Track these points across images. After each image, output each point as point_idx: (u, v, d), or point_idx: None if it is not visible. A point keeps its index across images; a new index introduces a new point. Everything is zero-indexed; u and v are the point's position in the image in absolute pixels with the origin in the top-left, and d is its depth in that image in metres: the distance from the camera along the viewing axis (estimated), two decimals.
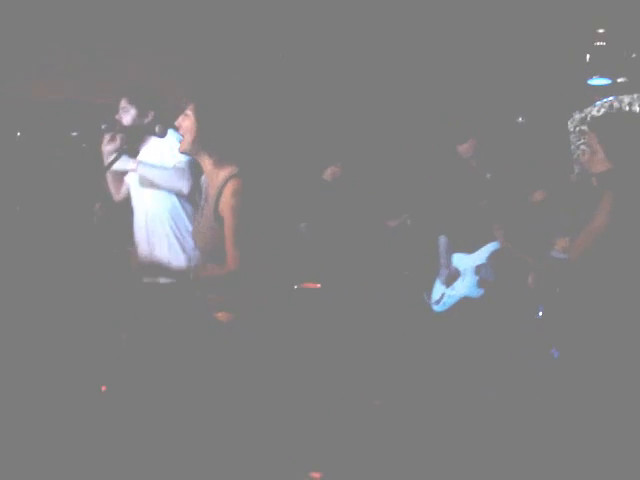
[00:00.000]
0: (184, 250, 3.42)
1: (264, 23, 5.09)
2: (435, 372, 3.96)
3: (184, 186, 3.33)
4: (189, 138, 2.69)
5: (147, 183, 3.44)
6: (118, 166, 3.37)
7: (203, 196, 2.81)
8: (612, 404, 2.67)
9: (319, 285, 4.40)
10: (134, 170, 3.43)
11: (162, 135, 3.40)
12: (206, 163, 2.72)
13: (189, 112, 2.69)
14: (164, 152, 3.43)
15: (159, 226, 3.46)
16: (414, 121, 5.41)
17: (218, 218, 2.61)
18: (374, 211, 4.48)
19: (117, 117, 3.50)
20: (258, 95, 5.08)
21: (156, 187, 3.42)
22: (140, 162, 3.43)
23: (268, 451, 2.70)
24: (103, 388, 3.93)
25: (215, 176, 2.69)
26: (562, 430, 2.92)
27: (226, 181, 2.61)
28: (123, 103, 3.50)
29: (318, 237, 4.31)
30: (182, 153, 2.82)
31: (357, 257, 4.28)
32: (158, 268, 3.41)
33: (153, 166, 3.41)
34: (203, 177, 2.86)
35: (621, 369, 2.67)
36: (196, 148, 2.70)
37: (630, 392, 2.64)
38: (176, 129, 2.79)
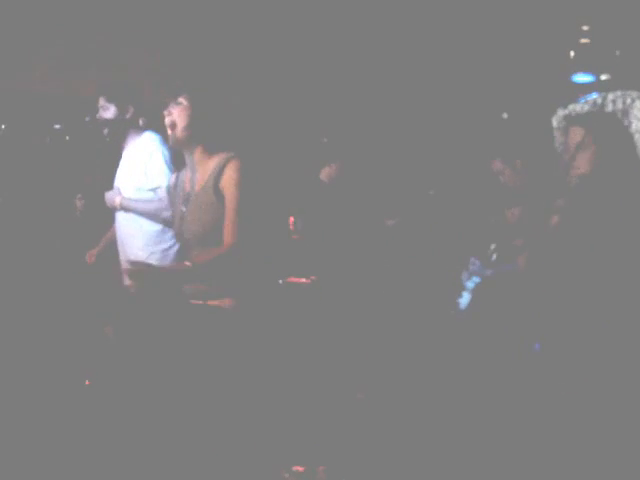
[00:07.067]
0: (158, 252, 3.42)
1: (258, 15, 5.08)
2: (420, 368, 3.98)
3: (167, 214, 3.30)
4: (182, 125, 2.69)
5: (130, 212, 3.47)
6: (107, 203, 3.50)
7: (185, 186, 2.81)
8: (598, 397, 2.68)
9: (304, 280, 4.40)
10: (118, 206, 3.44)
11: (146, 129, 3.44)
12: (196, 151, 2.72)
13: (182, 100, 2.69)
14: (140, 171, 3.43)
15: (131, 229, 3.46)
16: (411, 120, 5.43)
17: (219, 195, 2.63)
18: (371, 210, 4.49)
19: (97, 116, 3.50)
20: (255, 89, 5.10)
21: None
22: (124, 198, 3.44)
23: (252, 445, 2.71)
24: (87, 383, 3.92)
25: (205, 163, 2.72)
26: (546, 425, 2.93)
27: (227, 160, 2.64)
28: (102, 101, 3.51)
29: (312, 235, 4.31)
30: (173, 145, 2.82)
31: (352, 255, 4.29)
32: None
33: (136, 200, 3.43)
34: (182, 172, 2.87)
35: (605, 362, 2.68)
36: (188, 136, 2.70)
37: (615, 386, 2.66)
38: (159, 122, 2.79)
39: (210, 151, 2.72)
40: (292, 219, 4.32)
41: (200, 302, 2.67)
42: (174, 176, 2.98)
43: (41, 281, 4.39)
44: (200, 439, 2.63)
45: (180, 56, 5.00)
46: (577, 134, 2.79)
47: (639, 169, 2.73)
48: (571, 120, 2.99)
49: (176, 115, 2.70)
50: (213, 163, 2.69)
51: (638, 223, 2.64)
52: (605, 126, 2.80)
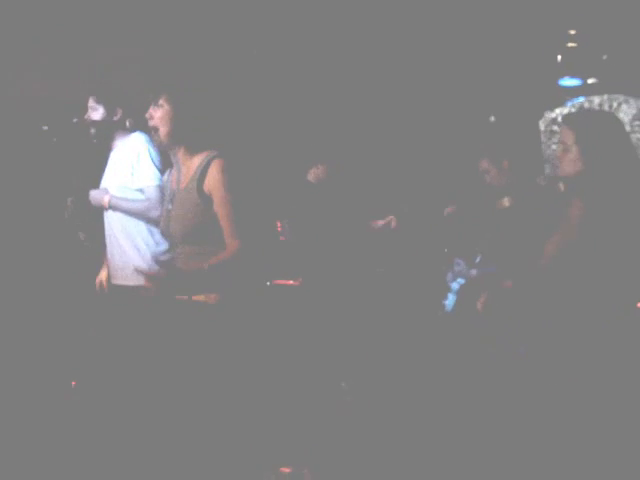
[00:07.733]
0: (148, 251, 3.42)
1: (245, 16, 5.07)
2: (406, 370, 3.99)
3: (155, 214, 3.31)
4: (164, 128, 2.71)
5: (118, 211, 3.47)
6: (93, 202, 3.48)
7: (172, 185, 2.83)
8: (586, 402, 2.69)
9: (291, 282, 4.41)
10: (107, 205, 3.45)
11: (133, 130, 3.45)
12: (180, 151, 2.74)
13: (162, 102, 2.71)
14: (128, 171, 3.44)
15: (121, 228, 3.46)
16: (399, 121, 5.45)
17: (203, 196, 2.64)
18: (358, 212, 4.50)
19: (86, 117, 3.51)
20: (241, 91, 5.10)
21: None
22: (112, 196, 3.44)
23: (237, 446, 2.71)
24: (73, 383, 3.91)
25: (189, 162, 2.74)
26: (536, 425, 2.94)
27: (209, 160, 2.66)
28: (91, 102, 3.52)
29: (300, 236, 4.31)
30: (158, 146, 2.85)
31: (339, 257, 4.29)
32: (122, 270, 3.42)
33: (125, 199, 3.43)
34: (171, 170, 2.89)
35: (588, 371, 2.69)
36: (172, 137, 2.72)
37: (601, 390, 2.67)
38: (147, 124, 2.80)
39: (193, 150, 2.74)
40: (279, 221, 4.32)
41: (185, 297, 2.68)
42: (166, 174, 3.03)
43: (28, 283, 4.38)
44: (184, 439, 2.63)
45: (169, 58, 5.00)
46: (564, 134, 2.76)
47: (627, 170, 2.71)
48: (563, 120, 2.95)
49: (157, 118, 2.71)
50: (196, 162, 2.71)
51: (623, 223, 2.64)
52: (592, 126, 2.74)
